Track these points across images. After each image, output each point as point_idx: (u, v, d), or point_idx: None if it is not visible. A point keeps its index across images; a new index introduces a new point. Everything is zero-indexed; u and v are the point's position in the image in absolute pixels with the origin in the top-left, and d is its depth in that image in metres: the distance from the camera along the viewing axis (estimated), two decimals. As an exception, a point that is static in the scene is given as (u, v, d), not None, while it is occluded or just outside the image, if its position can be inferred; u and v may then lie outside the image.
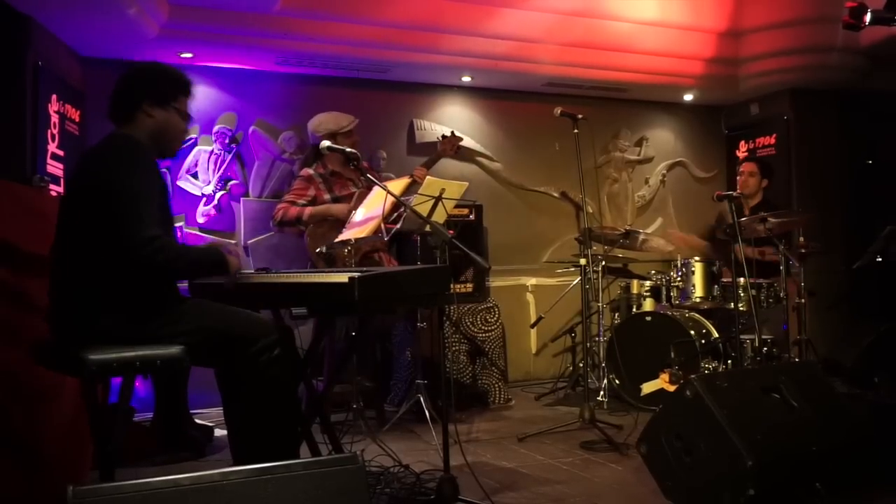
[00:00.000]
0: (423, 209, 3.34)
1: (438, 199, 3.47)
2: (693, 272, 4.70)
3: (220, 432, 3.99)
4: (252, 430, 2.39)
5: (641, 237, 5.01)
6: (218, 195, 5.11)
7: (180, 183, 5.03)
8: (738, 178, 5.26)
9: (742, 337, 4.30)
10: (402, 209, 3.18)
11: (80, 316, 2.28)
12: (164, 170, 4.62)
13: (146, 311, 2.31)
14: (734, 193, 4.16)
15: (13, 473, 2.59)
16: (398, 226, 3.36)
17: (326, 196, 4.33)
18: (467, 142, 5.83)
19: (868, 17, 2.96)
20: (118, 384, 2.32)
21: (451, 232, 3.12)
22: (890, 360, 4.60)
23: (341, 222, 3.92)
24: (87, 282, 2.30)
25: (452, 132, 5.17)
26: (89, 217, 2.30)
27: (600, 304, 4.92)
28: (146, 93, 2.49)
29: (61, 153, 4.36)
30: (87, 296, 2.29)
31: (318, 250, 3.95)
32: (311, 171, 4.39)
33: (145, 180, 2.32)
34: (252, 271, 2.78)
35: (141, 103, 2.48)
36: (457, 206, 4.20)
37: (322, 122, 4.46)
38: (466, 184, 3.80)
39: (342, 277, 2.28)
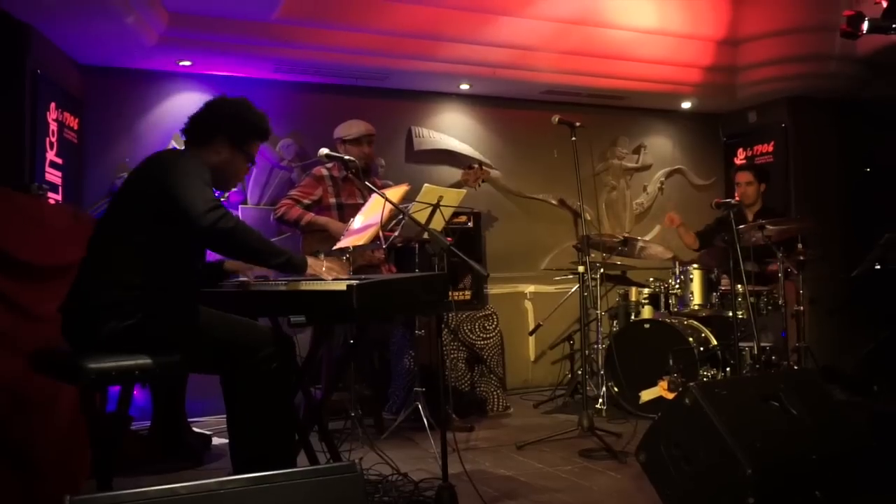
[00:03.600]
0: (422, 217, 3.34)
1: (436, 206, 3.47)
2: (691, 279, 4.71)
3: (217, 440, 3.98)
4: (250, 438, 2.39)
5: (640, 245, 5.02)
6: (216, 202, 5.11)
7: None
8: (735, 188, 5.27)
9: (741, 344, 4.30)
10: (400, 217, 3.17)
11: (86, 322, 2.29)
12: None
13: (150, 320, 2.31)
14: (733, 201, 4.16)
15: (10, 482, 2.58)
16: (396, 233, 3.36)
17: (332, 199, 4.33)
18: (465, 149, 5.84)
19: (865, 26, 2.97)
20: (116, 392, 2.32)
21: (450, 239, 3.11)
22: (889, 367, 4.60)
23: (335, 240, 3.90)
24: (97, 288, 2.30)
25: (480, 164, 5.11)
26: (125, 218, 2.36)
27: (599, 312, 4.91)
28: (223, 130, 2.56)
29: (60, 161, 4.36)
30: (95, 302, 2.29)
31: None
32: (324, 170, 4.39)
33: (200, 170, 2.38)
34: (246, 279, 2.78)
35: (214, 139, 2.56)
36: (455, 214, 4.19)
37: (339, 127, 4.49)
38: (464, 191, 3.80)
39: (340, 285, 2.27)
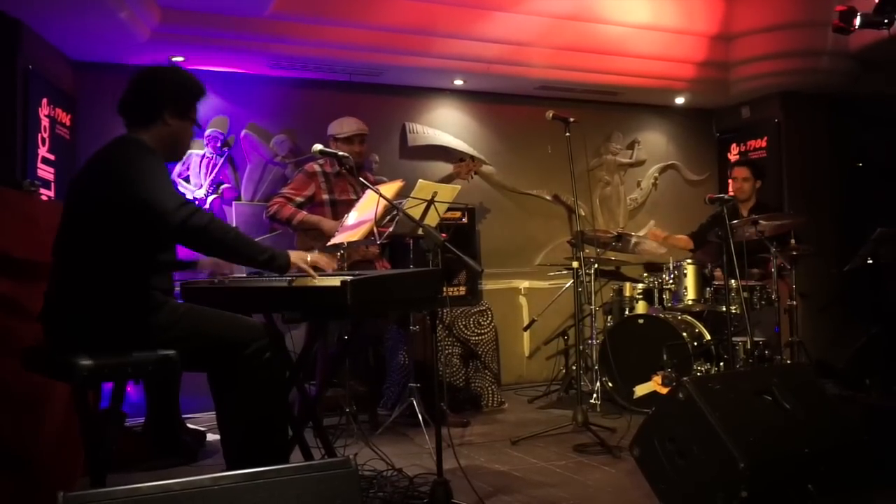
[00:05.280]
0: (416, 213, 3.34)
1: (431, 202, 3.47)
2: (685, 275, 4.71)
3: (212, 437, 3.98)
4: (243, 434, 2.39)
5: (634, 240, 5.03)
6: (210, 199, 5.10)
7: (172, 187, 5.01)
8: (730, 182, 5.28)
9: (734, 339, 4.31)
10: (394, 212, 3.17)
11: (74, 320, 2.27)
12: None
13: (140, 317, 2.30)
14: (726, 196, 4.17)
15: (3, 481, 2.58)
16: (391, 229, 3.36)
17: (325, 196, 4.32)
18: (459, 145, 5.83)
19: (858, 21, 2.99)
20: (109, 389, 2.31)
21: (444, 235, 3.12)
22: (881, 362, 4.62)
23: (328, 237, 3.89)
24: (83, 286, 2.29)
25: (472, 156, 5.09)
26: (94, 217, 2.31)
27: (593, 307, 4.92)
28: (169, 103, 2.49)
29: (52, 157, 4.34)
30: (82, 300, 2.27)
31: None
32: (316, 167, 4.38)
33: (160, 168, 2.34)
34: (244, 275, 2.77)
35: (162, 112, 2.48)
36: (449, 210, 4.20)
37: (332, 124, 4.48)
38: (459, 187, 3.80)
39: (334, 281, 2.27)
